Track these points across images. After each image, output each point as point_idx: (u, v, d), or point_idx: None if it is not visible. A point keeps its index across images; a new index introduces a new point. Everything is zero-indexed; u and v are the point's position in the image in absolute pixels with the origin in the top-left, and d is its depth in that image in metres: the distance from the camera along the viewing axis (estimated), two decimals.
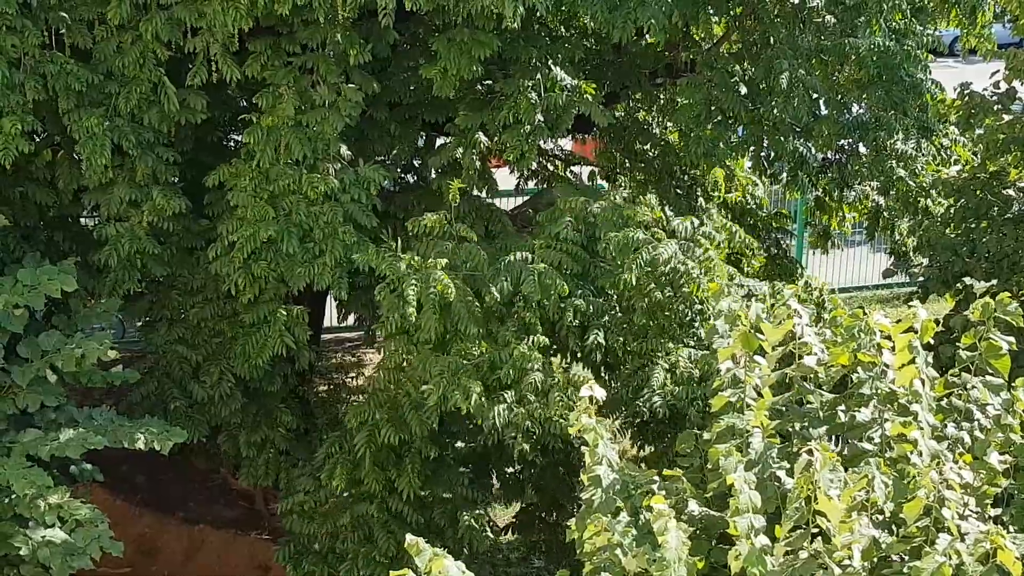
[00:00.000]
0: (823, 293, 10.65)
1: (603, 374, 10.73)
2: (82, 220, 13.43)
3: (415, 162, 13.82)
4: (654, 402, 9.97)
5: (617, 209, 10.32)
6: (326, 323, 16.50)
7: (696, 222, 10.70)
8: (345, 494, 10.79)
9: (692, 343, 10.31)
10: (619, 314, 10.34)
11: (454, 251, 10.18)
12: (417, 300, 9.62)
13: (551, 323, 10.08)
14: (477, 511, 10.74)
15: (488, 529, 10.85)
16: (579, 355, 10.52)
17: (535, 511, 11.74)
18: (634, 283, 9.86)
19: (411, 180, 13.96)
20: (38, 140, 12.01)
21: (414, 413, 10.15)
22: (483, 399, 9.50)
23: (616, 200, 10.80)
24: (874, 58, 12.32)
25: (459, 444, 11.11)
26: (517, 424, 9.66)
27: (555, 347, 10.31)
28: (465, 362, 9.65)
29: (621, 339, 10.22)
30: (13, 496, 10.04)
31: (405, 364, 10.25)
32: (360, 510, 10.67)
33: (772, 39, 12.35)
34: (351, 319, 15.97)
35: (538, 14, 10.89)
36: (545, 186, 14.95)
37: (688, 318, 10.29)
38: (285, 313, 11.77)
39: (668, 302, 10.11)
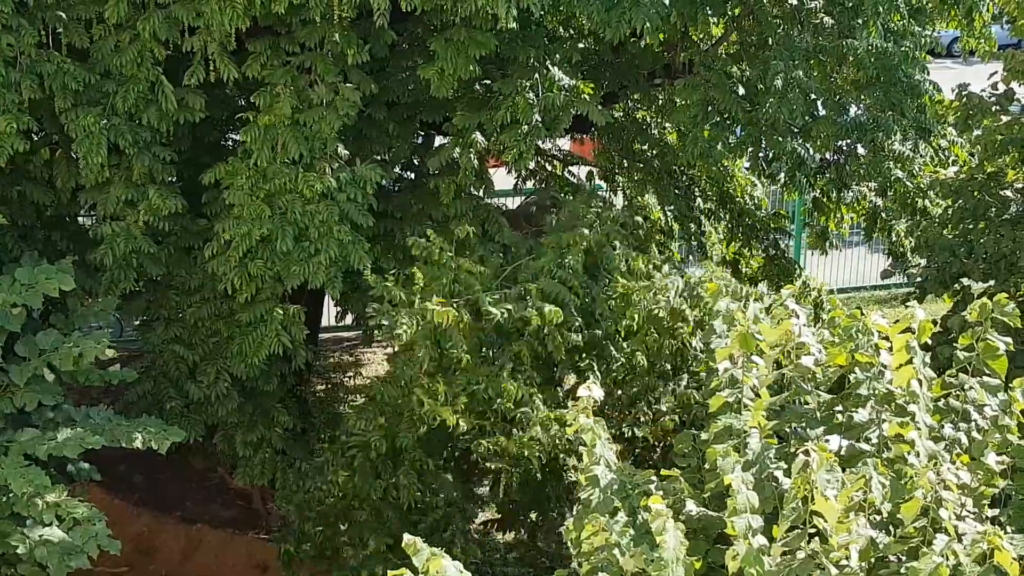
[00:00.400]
0: (821, 293, 10.66)
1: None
2: (79, 219, 13.43)
3: (413, 161, 13.82)
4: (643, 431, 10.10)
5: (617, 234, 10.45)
6: (324, 322, 16.50)
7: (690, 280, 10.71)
8: (342, 497, 10.80)
9: (683, 383, 10.38)
10: (613, 349, 10.40)
11: (454, 280, 10.20)
12: (408, 333, 9.69)
13: (546, 355, 10.11)
14: (467, 520, 10.74)
15: (472, 539, 10.86)
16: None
17: (517, 511, 11.75)
18: (635, 329, 10.01)
19: (409, 179, 13.96)
20: (36, 139, 12.01)
21: (413, 432, 10.20)
22: (468, 425, 9.66)
23: (613, 214, 10.85)
24: (872, 59, 12.33)
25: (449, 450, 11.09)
26: (506, 453, 9.73)
27: (549, 378, 10.37)
28: (461, 391, 9.75)
29: (616, 375, 10.31)
30: (11, 495, 10.03)
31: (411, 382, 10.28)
32: (357, 516, 10.68)
33: (770, 40, 12.37)
34: (349, 318, 15.97)
35: (534, 15, 10.89)
36: (543, 186, 14.96)
37: (680, 361, 10.35)
38: (281, 312, 11.77)
39: (663, 347, 10.19)
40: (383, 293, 10.06)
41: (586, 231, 10.47)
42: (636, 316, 10.01)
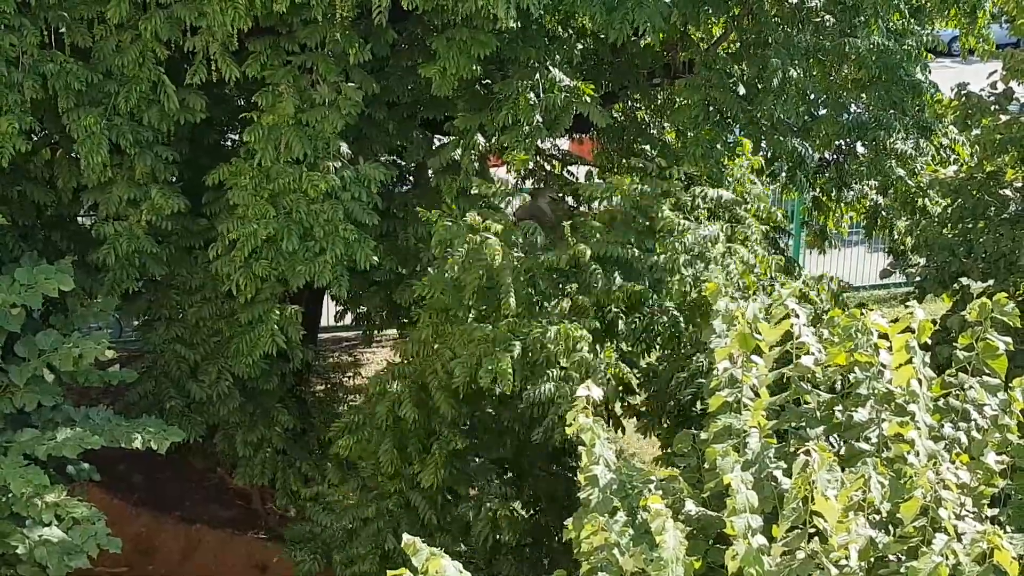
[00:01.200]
0: (835, 285, 10.72)
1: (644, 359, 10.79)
2: (79, 219, 13.43)
3: (416, 160, 13.84)
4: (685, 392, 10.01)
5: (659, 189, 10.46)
6: (324, 322, 16.50)
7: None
8: (366, 491, 10.75)
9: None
10: (665, 303, 10.36)
11: (510, 227, 10.18)
12: (464, 258, 9.63)
13: (600, 306, 10.08)
14: (507, 506, 10.55)
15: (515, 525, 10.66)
16: (625, 337, 10.48)
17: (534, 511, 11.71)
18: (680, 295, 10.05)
19: (411, 179, 13.97)
20: (36, 139, 12.02)
21: (442, 393, 9.93)
22: (512, 371, 9.30)
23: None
24: (874, 58, 12.33)
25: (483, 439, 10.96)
26: (561, 402, 9.39)
27: (602, 329, 10.28)
28: (510, 333, 9.53)
29: (666, 326, 10.26)
30: (10, 495, 10.04)
31: (437, 342, 10.12)
32: (383, 506, 10.57)
33: (770, 39, 12.37)
34: (348, 319, 15.98)
35: (533, 16, 10.89)
36: (541, 186, 14.95)
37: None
38: (278, 312, 11.78)
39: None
40: (441, 228, 9.98)
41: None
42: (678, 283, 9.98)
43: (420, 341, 10.26)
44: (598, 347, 9.77)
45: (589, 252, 9.97)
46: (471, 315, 9.87)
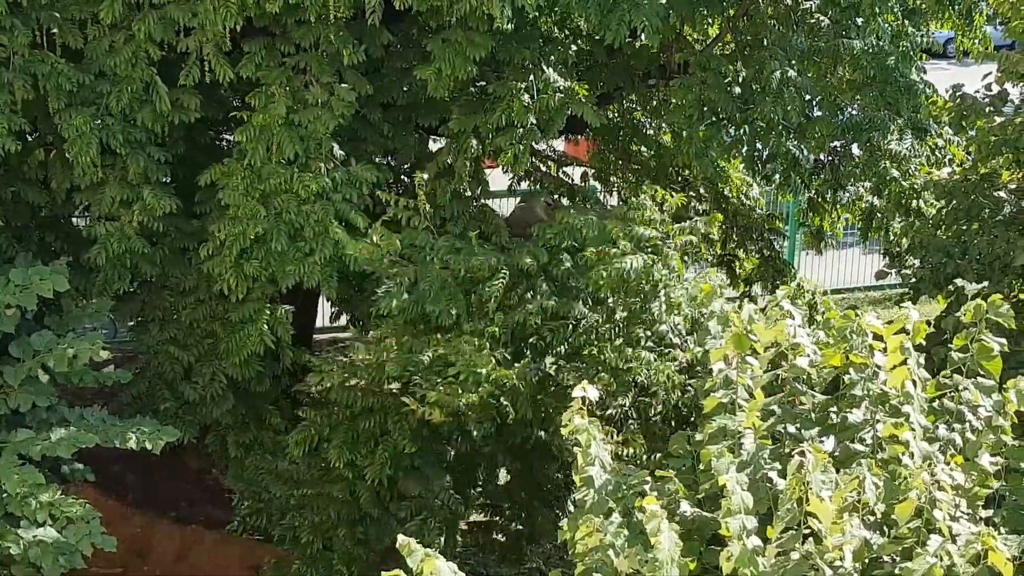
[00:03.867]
0: (815, 296, 10.64)
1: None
2: (74, 220, 13.41)
3: (409, 162, 13.82)
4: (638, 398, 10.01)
5: (599, 225, 10.33)
6: (319, 323, 16.48)
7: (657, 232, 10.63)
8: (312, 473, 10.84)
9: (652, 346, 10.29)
10: (594, 317, 10.33)
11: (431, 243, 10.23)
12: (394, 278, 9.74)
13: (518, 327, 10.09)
14: (455, 519, 10.70)
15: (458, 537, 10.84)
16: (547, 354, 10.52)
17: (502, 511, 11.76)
18: (609, 293, 9.90)
19: (405, 181, 13.96)
20: (30, 140, 12.00)
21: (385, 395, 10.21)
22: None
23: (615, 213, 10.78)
24: (869, 59, 12.34)
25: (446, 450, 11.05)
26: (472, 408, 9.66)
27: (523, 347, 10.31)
28: (423, 359, 9.76)
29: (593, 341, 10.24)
30: (5, 495, 10.03)
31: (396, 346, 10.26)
32: (327, 489, 10.65)
33: (765, 40, 12.38)
34: (343, 319, 15.95)
35: (529, 16, 10.90)
36: (537, 187, 14.96)
37: (654, 326, 10.26)
38: (269, 312, 11.79)
39: (638, 311, 10.10)
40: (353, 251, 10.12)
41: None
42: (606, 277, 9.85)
43: (379, 341, 10.39)
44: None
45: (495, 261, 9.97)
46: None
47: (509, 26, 10.47)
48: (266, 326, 11.79)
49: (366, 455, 10.39)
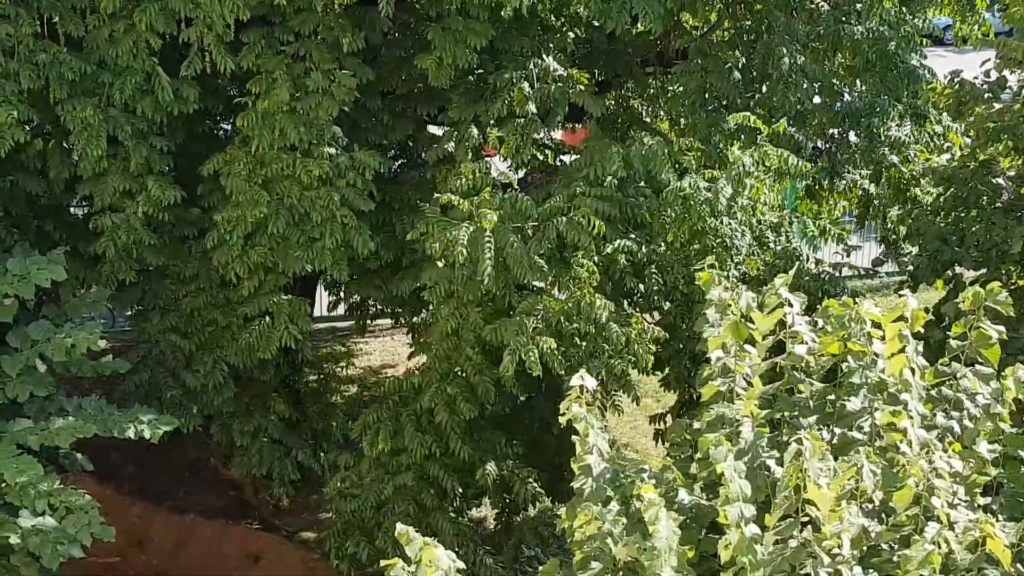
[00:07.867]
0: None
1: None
2: (72, 209, 13.39)
3: (409, 150, 13.81)
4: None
5: (665, 147, 10.44)
6: (316, 312, 16.49)
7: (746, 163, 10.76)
8: (382, 469, 10.86)
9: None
10: (669, 254, 10.40)
11: (500, 202, 10.18)
12: (468, 241, 9.66)
13: (604, 270, 10.16)
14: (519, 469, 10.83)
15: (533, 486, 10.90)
16: (637, 297, 10.61)
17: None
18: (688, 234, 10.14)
19: (406, 169, 13.95)
20: (28, 129, 11.98)
21: (480, 378, 10.26)
22: (559, 355, 9.58)
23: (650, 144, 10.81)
24: (870, 44, 12.32)
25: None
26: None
27: (612, 290, 10.39)
28: (538, 321, 9.72)
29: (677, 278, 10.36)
30: (3, 485, 10.03)
31: (462, 333, 10.27)
32: (401, 480, 10.72)
33: (767, 26, 12.34)
34: (341, 309, 15.95)
35: (526, 3, 10.87)
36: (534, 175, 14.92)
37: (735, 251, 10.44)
38: (287, 303, 11.77)
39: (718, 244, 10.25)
40: (436, 228, 9.97)
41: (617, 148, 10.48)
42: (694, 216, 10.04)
43: (446, 335, 10.38)
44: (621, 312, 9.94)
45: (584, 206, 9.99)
46: (488, 300, 10.00)
47: (521, 9, 10.47)
48: (288, 319, 11.77)
49: (431, 433, 10.50)
